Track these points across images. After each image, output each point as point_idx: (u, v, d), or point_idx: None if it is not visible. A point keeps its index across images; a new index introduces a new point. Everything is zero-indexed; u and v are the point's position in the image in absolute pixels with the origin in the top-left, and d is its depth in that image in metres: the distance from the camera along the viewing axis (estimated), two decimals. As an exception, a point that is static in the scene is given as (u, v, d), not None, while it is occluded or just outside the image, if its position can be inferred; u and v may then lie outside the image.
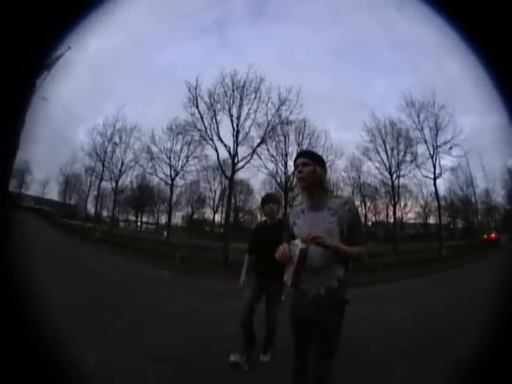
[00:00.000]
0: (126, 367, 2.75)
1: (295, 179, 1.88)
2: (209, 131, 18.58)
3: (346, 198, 1.85)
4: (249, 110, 18.70)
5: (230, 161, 18.84)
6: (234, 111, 18.71)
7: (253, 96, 18.68)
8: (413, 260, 15.12)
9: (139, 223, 30.30)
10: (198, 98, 18.57)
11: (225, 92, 18.72)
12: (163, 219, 28.00)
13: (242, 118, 18.65)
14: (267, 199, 3.17)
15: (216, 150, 18.58)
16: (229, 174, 19.22)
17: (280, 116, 18.59)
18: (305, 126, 20.36)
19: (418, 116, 18.93)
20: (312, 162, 1.81)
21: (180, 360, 3.00)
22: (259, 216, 26.20)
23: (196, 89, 18.60)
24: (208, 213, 26.36)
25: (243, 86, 18.71)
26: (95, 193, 27.57)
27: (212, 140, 18.60)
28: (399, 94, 26.34)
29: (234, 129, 18.44)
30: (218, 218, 25.69)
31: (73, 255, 11.24)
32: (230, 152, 18.23)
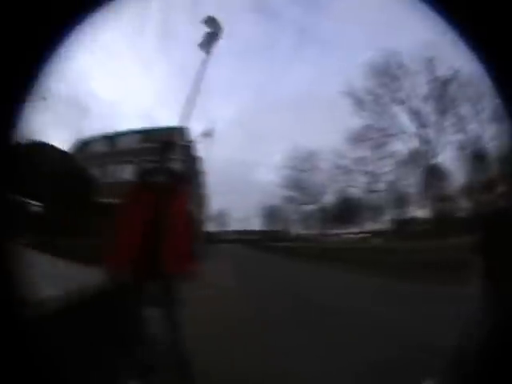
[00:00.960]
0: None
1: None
2: (393, 125, 18.76)
3: None
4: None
5: (423, 149, 18.09)
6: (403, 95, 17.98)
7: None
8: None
9: (346, 235, 31.76)
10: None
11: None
12: (367, 227, 28.34)
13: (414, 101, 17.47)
14: None
15: (408, 141, 18.76)
16: (426, 162, 18.33)
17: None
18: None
19: None
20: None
21: None
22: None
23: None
24: (411, 211, 24.72)
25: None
26: (297, 216, 31.61)
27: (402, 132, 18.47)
28: None
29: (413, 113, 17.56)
30: (422, 213, 23.57)
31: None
32: (422, 138, 17.40)
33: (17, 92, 0.83)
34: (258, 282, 7.98)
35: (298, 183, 27.20)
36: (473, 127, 16.70)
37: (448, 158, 17.72)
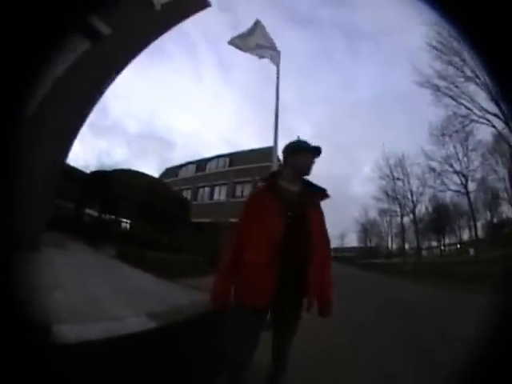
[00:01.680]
0: None
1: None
2: (475, 110, 16.80)
3: None
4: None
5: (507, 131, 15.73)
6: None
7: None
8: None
9: (442, 247, 28.39)
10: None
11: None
12: (465, 235, 24.96)
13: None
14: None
15: (493, 125, 16.48)
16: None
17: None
18: None
19: None
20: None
21: None
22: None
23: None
24: (506, 210, 20.82)
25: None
26: (395, 230, 29.26)
27: (484, 118, 16.51)
28: None
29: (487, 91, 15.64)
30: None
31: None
32: (505, 116, 14.84)
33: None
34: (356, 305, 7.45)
35: (391, 193, 25.42)
36: None
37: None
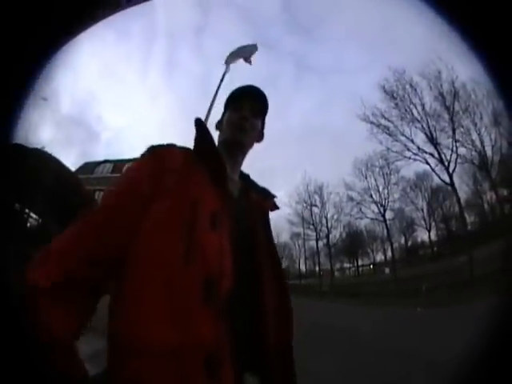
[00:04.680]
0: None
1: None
2: (410, 147, 18.46)
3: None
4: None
5: (438, 167, 17.60)
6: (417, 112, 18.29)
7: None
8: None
9: (355, 268, 31.02)
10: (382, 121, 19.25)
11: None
12: (378, 257, 27.70)
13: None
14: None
15: (427, 162, 18.10)
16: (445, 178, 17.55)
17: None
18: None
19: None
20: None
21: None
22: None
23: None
24: (421, 235, 24.26)
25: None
26: (306, 253, 31.17)
27: (416, 154, 18.27)
28: None
29: (427, 134, 17.78)
30: (432, 235, 23.21)
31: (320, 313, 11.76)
32: (440, 156, 17.30)
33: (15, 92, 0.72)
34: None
35: (307, 218, 26.87)
36: (476, 137, 16.69)
37: (456, 173, 17.25)
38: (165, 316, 0.60)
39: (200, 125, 0.86)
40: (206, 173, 0.78)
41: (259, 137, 1.04)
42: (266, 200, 1.03)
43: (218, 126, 1.00)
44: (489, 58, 0.68)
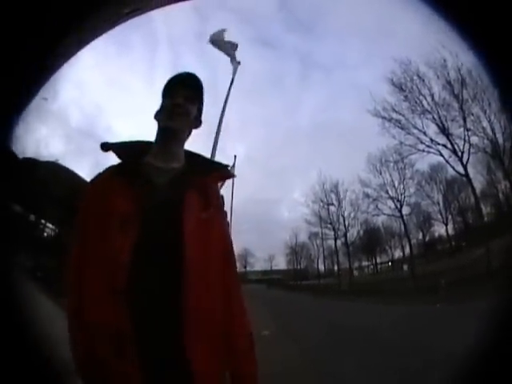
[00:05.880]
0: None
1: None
2: (423, 139, 18.33)
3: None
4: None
5: (451, 158, 17.42)
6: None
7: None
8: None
9: (373, 266, 30.59)
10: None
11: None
12: (396, 254, 27.29)
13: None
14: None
15: (440, 154, 17.96)
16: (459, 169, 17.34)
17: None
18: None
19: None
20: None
21: None
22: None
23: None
24: (438, 229, 23.74)
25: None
26: (324, 253, 30.91)
27: (429, 146, 18.11)
28: None
29: (439, 125, 17.59)
30: (450, 229, 22.71)
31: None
32: (453, 147, 17.12)
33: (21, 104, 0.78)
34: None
35: (324, 218, 26.64)
36: (486, 125, 16.35)
37: (470, 163, 17.04)
38: (89, 304, 0.82)
39: (106, 147, 0.97)
40: (123, 181, 0.89)
41: (196, 123, 1.04)
42: (210, 175, 1.00)
43: (156, 116, 1.00)
44: (487, 55, 0.70)
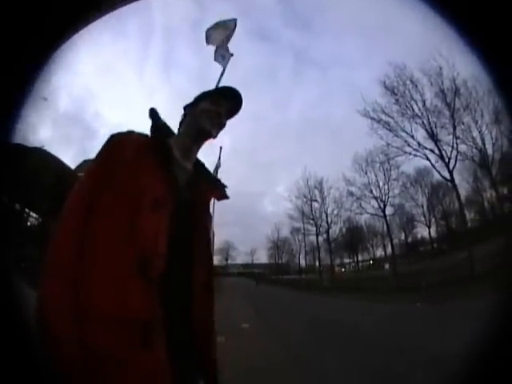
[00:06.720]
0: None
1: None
2: (411, 142, 18.54)
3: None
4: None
5: (438, 163, 17.51)
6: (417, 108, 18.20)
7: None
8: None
9: (354, 263, 31.17)
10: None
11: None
12: (378, 253, 27.84)
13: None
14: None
15: (427, 158, 18.10)
16: (445, 175, 17.41)
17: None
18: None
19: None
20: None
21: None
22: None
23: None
24: (421, 231, 24.25)
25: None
26: (306, 248, 31.33)
27: (416, 150, 18.34)
28: None
29: (428, 131, 17.81)
30: (432, 232, 23.27)
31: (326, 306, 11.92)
32: (440, 153, 17.23)
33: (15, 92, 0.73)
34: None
35: (307, 213, 26.81)
36: (476, 135, 16.63)
37: (456, 170, 17.23)
38: (105, 288, 0.70)
39: (154, 114, 0.95)
40: (156, 159, 0.85)
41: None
42: (214, 190, 1.07)
43: (187, 109, 1.02)
44: (487, 55, 0.69)
